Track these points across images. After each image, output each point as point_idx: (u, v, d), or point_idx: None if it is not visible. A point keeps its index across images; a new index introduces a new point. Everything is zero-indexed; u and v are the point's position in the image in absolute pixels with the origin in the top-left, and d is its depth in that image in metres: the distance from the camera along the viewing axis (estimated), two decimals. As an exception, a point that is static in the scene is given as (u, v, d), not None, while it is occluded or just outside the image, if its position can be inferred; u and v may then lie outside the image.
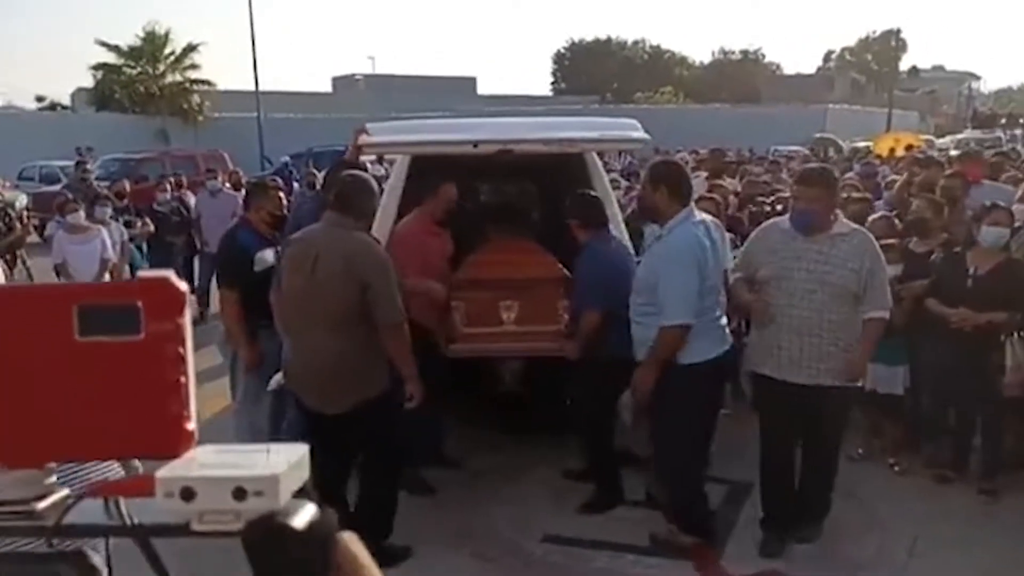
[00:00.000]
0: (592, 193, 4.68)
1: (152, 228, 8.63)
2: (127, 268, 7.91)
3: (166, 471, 0.60)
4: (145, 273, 0.64)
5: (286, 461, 0.61)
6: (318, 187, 7.23)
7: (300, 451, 0.64)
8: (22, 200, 15.56)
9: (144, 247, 8.57)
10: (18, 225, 7.37)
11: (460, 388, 4.76)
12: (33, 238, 11.77)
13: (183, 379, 0.63)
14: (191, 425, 0.63)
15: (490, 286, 4.51)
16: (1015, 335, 4.36)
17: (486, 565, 3.90)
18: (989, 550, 3.91)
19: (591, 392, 4.18)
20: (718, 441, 4.24)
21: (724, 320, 3.86)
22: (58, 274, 7.42)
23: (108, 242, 7.26)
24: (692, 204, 3.86)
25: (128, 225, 8.28)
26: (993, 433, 4.60)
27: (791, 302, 3.68)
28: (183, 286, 0.64)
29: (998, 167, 8.29)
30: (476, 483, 4.64)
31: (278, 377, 3.99)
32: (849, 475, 4.52)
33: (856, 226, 3.87)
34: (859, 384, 3.92)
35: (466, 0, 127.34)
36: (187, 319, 0.64)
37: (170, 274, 0.64)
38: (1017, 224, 5.09)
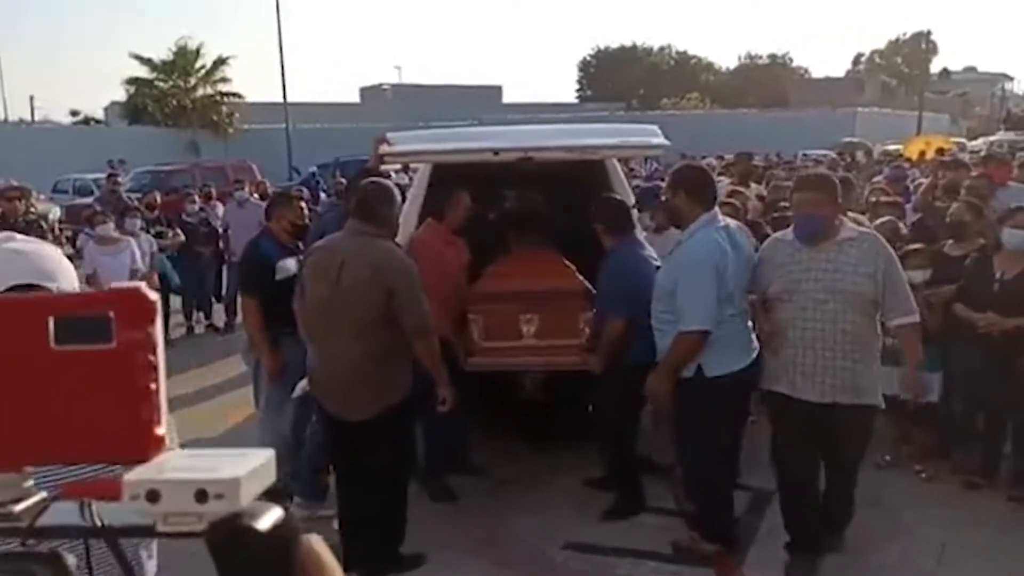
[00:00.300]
0: (618, 198, 4.69)
1: (182, 238, 8.77)
2: (156, 278, 8.05)
3: (134, 474, 0.62)
4: (117, 284, 0.67)
5: (249, 465, 0.63)
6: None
7: (266, 455, 0.66)
8: (55, 212, 15.88)
9: (174, 257, 8.69)
10: (50, 237, 7.52)
11: (482, 396, 4.73)
12: (66, 250, 12.06)
13: (153, 386, 0.66)
14: (161, 430, 0.65)
15: (510, 299, 4.45)
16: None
17: (506, 572, 3.90)
18: (1018, 558, 3.84)
19: (614, 399, 4.16)
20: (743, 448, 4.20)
21: (750, 328, 3.78)
22: (89, 284, 7.58)
23: (138, 253, 7.40)
24: (716, 209, 3.82)
25: (159, 236, 8.42)
26: (1023, 439, 4.51)
27: (803, 315, 3.49)
28: (154, 296, 0.67)
29: None
30: (498, 491, 4.64)
31: (303, 384, 4.03)
32: (875, 482, 4.47)
33: (865, 228, 3.73)
34: (876, 403, 3.61)
35: (492, 9, 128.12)
36: (158, 328, 0.67)
37: (141, 285, 0.67)
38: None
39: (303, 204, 4.92)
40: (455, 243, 4.61)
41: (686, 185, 3.78)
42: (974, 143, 27.33)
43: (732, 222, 4.02)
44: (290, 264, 4.46)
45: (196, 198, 9.77)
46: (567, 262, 4.74)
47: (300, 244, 4.66)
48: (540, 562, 3.98)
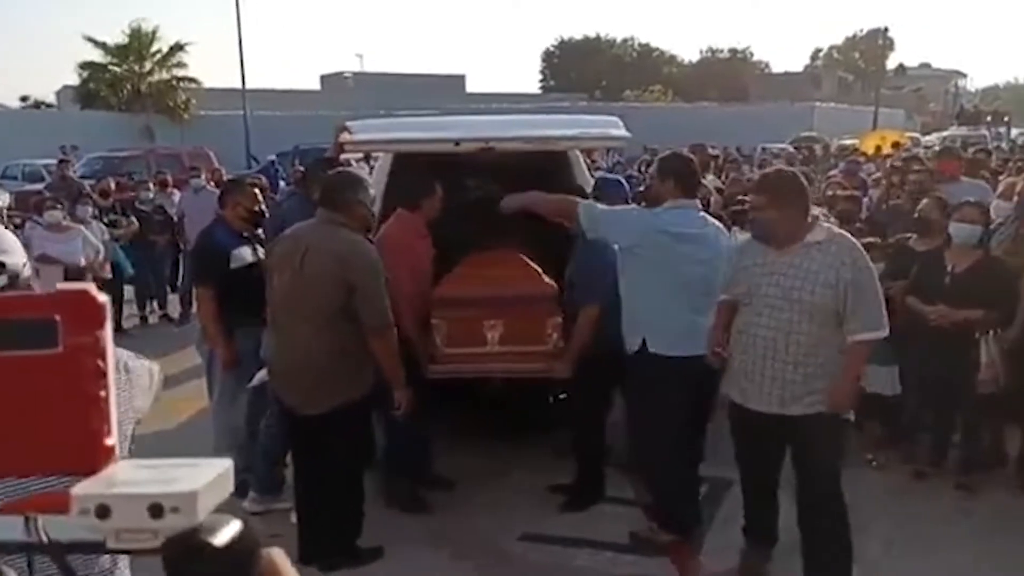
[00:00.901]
0: (584, 187, 4.70)
1: (136, 227, 8.58)
2: (109, 268, 7.87)
3: (82, 488, 0.59)
4: (64, 285, 0.63)
5: (206, 477, 0.60)
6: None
7: (223, 465, 0.63)
8: (4, 199, 15.44)
9: (127, 246, 8.49)
10: None
11: (442, 396, 4.60)
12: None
13: (103, 393, 0.62)
14: (111, 440, 0.62)
15: (474, 304, 4.29)
16: (991, 333, 4.38)
17: (464, 564, 3.89)
18: (964, 545, 3.94)
19: (585, 386, 4.15)
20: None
21: (705, 323, 3.73)
22: (39, 266, 7.36)
23: (92, 240, 7.23)
24: (697, 201, 3.98)
25: (112, 224, 8.22)
26: (971, 429, 4.63)
27: (757, 321, 3.32)
28: (103, 298, 0.63)
29: (980, 164, 8.34)
30: (456, 485, 4.59)
31: (261, 375, 3.97)
32: None
33: (838, 231, 3.41)
34: (846, 416, 3.49)
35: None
36: (108, 332, 0.63)
37: (89, 286, 0.63)
38: (997, 221, 5.13)
39: (258, 191, 4.82)
40: (427, 236, 4.44)
41: (675, 174, 3.88)
42: (928, 138, 27.96)
43: (710, 218, 4.12)
44: (245, 252, 4.39)
45: (151, 185, 9.56)
46: (533, 264, 4.56)
47: (259, 232, 4.59)
48: (497, 554, 3.98)
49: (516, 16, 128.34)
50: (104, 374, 0.62)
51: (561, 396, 4.71)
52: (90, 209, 7.76)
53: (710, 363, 3.66)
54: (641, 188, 6.77)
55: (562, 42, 62.96)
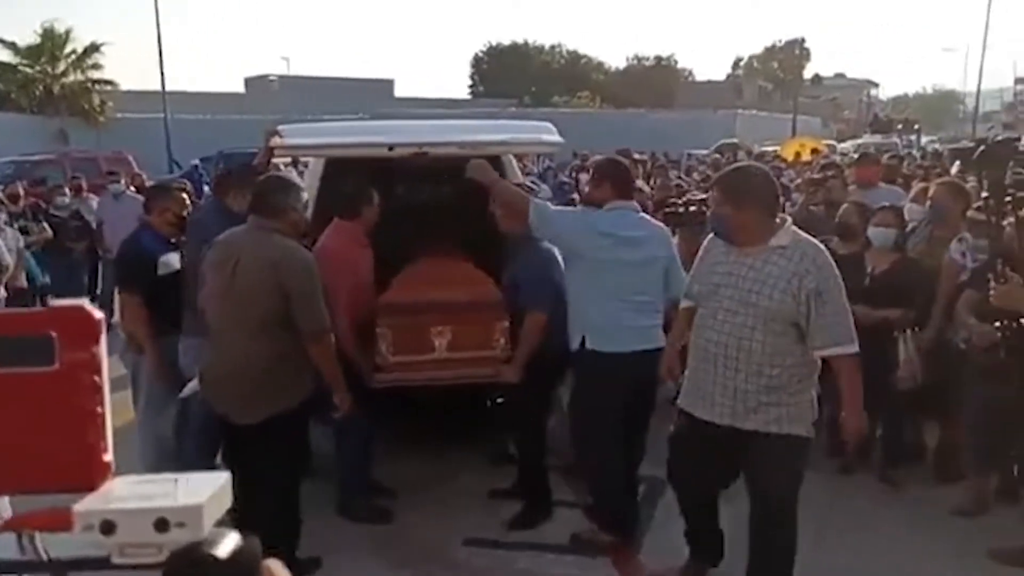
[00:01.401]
0: (529, 186, 4.71)
1: (50, 234, 8.23)
2: (23, 276, 7.52)
3: (84, 504, 0.59)
4: (59, 301, 0.63)
5: (208, 490, 0.61)
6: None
7: (221, 479, 0.64)
8: (-94, 205, 14.64)
9: (39, 254, 8.14)
10: None
11: (384, 403, 4.48)
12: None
13: (100, 409, 0.63)
14: (108, 456, 0.63)
15: (420, 310, 4.20)
16: (908, 331, 4.57)
17: (405, 571, 3.85)
18: (890, 538, 4.09)
19: (526, 389, 4.09)
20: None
21: (650, 323, 3.83)
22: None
23: (3, 248, 6.90)
24: (634, 202, 4.02)
25: (24, 231, 7.87)
26: (893, 424, 4.81)
27: (711, 324, 3.15)
28: (99, 314, 0.64)
29: (894, 170, 8.71)
30: (397, 491, 4.55)
31: (193, 384, 3.85)
32: None
33: (805, 237, 3.16)
34: (804, 434, 3.17)
35: (385, 1, 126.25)
36: (103, 347, 0.63)
37: (85, 302, 0.64)
38: (912, 224, 5.36)
39: (186, 196, 4.69)
40: (367, 246, 4.32)
41: (611, 177, 3.96)
42: (843, 145, 29.08)
43: (650, 219, 4.21)
44: (173, 259, 4.27)
45: (67, 190, 9.18)
46: (477, 268, 4.52)
47: (182, 238, 4.45)
48: (440, 560, 3.95)
49: (445, 21, 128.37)
50: (100, 390, 0.63)
51: (499, 400, 4.71)
52: (3, 216, 7.42)
53: (662, 381, 3.72)
54: (574, 194, 6.85)
55: (491, 48, 63.24)
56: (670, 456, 3.51)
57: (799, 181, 10.07)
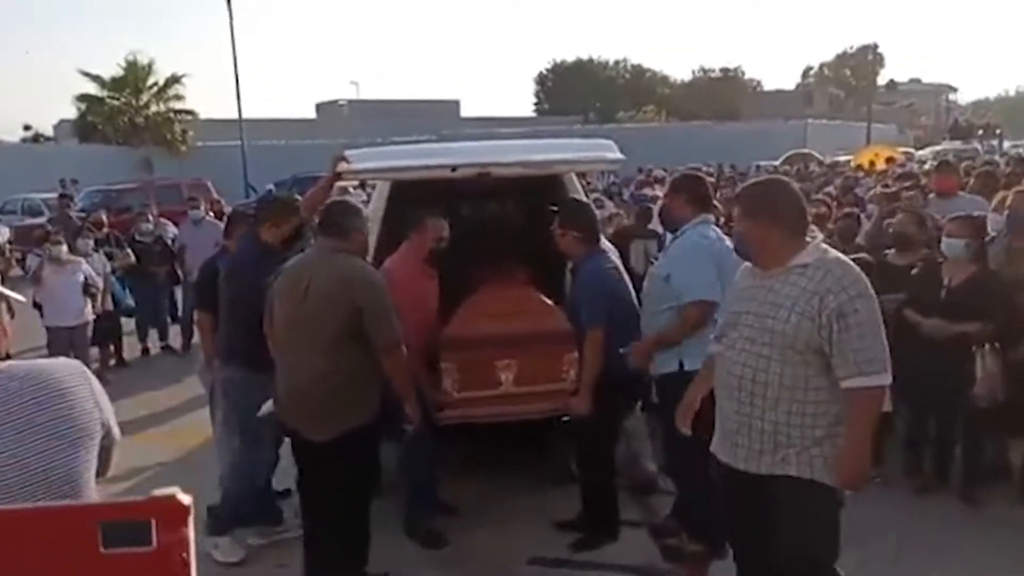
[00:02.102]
0: (588, 205, 4.69)
1: (133, 259, 8.62)
2: (110, 299, 7.91)
3: None
4: (158, 492, 0.76)
5: None
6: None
7: None
8: (4, 233, 15.53)
9: (125, 278, 8.54)
10: (0, 260, 7.34)
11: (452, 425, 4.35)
12: (16, 271, 11.75)
13: None
14: None
15: (486, 344, 4.05)
16: (986, 346, 4.41)
17: (471, 589, 3.89)
18: (971, 560, 3.94)
19: (592, 416, 3.92)
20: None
21: None
22: (38, 307, 7.41)
23: (92, 273, 7.28)
24: (711, 215, 3.94)
25: (109, 257, 8.27)
26: (973, 442, 4.64)
27: (731, 356, 2.81)
28: (187, 500, 0.76)
29: (991, 179, 8.05)
30: (461, 509, 4.56)
31: (268, 404, 3.98)
32: None
33: (834, 255, 2.76)
34: (818, 481, 2.68)
35: (449, 24, 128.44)
36: (190, 529, 0.76)
37: (176, 490, 0.75)
38: (992, 235, 5.17)
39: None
40: (431, 274, 4.28)
41: (686, 190, 3.88)
42: (921, 152, 28.15)
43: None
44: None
45: (150, 217, 9.59)
46: (544, 297, 4.35)
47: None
48: (504, 578, 3.97)
49: (509, 40, 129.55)
50: (188, 564, 0.75)
51: (564, 419, 4.68)
52: (90, 242, 7.82)
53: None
54: (651, 205, 6.77)
55: (555, 65, 63.56)
56: (714, 507, 3.20)
57: (874, 191, 9.79)
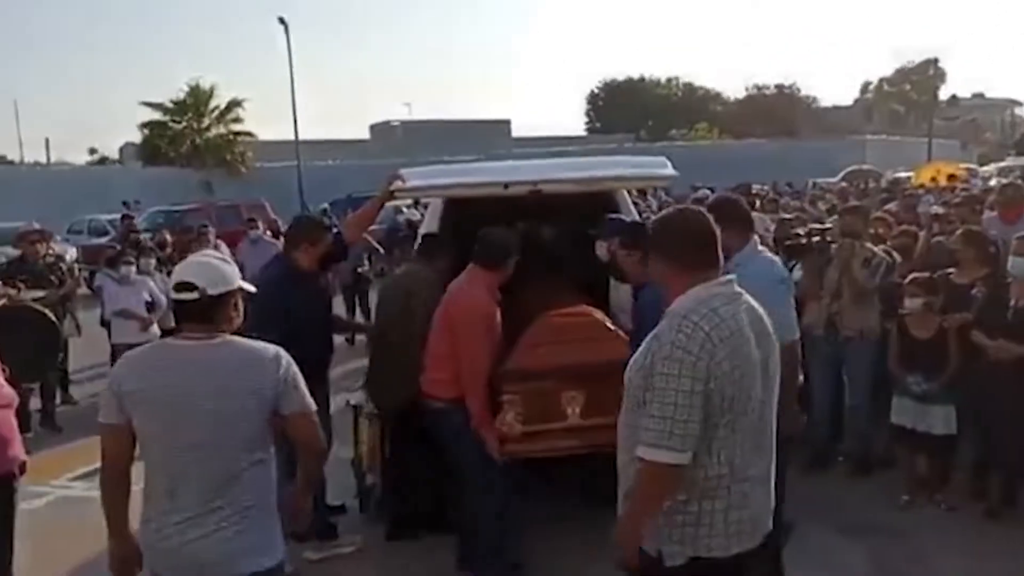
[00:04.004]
0: (647, 224, 4.57)
1: (194, 277, 8.81)
2: (172, 317, 8.11)
3: None
4: None
5: None
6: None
7: None
8: (72, 253, 16.09)
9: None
10: (69, 279, 7.61)
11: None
12: (82, 290, 12.14)
13: None
14: None
15: (551, 375, 3.81)
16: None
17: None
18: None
19: None
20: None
21: None
22: (105, 325, 7.66)
23: (155, 290, 7.50)
24: (756, 236, 3.79)
25: (171, 276, 8.49)
26: (1043, 467, 4.46)
27: None
28: None
29: None
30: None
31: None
32: (896, 513, 4.54)
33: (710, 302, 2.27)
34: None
35: (500, 45, 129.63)
36: None
37: None
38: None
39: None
40: (499, 302, 4.02)
41: (729, 218, 3.58)
42: (985, 169, 27.36)
43: None
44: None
45: (210, 238, 9.78)
46: (607, 322, 4.13)
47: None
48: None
49: (560, 59, 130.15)
50: None
51: None
52: (153, 261, 8.05)
53: None
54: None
55: (606, 84, 63.51)
56: None
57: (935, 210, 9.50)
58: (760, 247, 3.72)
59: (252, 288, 2.74)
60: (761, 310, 2.40)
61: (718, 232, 2.40)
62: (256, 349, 2.43)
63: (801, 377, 3.84)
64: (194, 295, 2.37)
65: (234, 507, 2.33)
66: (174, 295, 2.45)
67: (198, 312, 2.39)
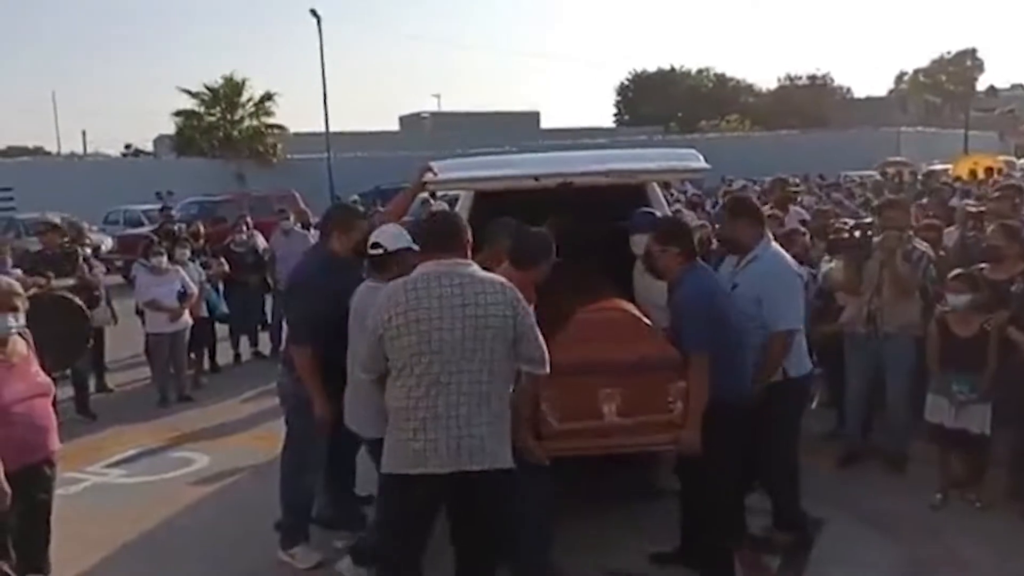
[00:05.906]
0: (683, 218, 4.65)
1: (227, 268, 8.93)
2: (205, 306, 8.23)
3: None
4: None
5: None
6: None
7: None
8: (107, 243, 16.35)
9: (220, 286, 8.85)
10: (86, 271, 7.50)
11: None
12: (117, 279, 12.32)
13: None
14: None
15: (587, 371, 3.71)
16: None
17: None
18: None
19: (705, 446, 3.55)
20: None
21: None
22: (140, 314, 7.77)
23: (188, 280, 7.60)
24: (769, 233, 4.19)
25: (205, 266, 8.60)
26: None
27: None
28: None
29: None
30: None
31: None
32: (929, 511, 4.50)
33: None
34: None
35: (528, 36, 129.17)
36: None
37: None
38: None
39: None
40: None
41: (746, 213, 4.11)
42: (1023, 161, 26.77)
43: None
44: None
45: (244, 228, 9.87)
46: (646, 319, 4.00)
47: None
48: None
49: (589, 51, 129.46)
50: None
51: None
52: (187, 252, 8.16)
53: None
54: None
55: (636, 75, 63.07)
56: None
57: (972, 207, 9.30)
58: (772, 243, 4.13)
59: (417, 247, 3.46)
60: None
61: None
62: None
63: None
64: (379, 251, 3.61)
65: None
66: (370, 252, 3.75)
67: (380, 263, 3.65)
